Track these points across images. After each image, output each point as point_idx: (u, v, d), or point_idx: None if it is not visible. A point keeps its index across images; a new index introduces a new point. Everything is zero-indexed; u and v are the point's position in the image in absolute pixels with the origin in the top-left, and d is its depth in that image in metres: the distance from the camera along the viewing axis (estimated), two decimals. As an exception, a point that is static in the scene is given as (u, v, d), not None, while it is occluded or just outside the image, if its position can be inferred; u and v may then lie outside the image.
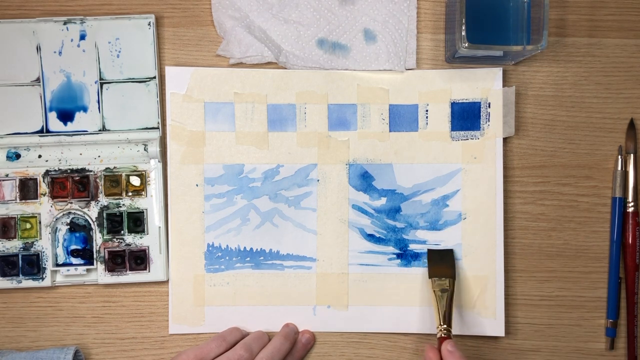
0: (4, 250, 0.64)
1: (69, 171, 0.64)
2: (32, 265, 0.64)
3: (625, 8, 0.65)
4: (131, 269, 0.64)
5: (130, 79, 0.64)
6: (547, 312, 0.65)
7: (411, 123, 0.65)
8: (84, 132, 0.64)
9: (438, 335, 0.60)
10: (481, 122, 0.64)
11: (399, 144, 0.64)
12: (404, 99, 0.65)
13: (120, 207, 0.64)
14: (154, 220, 0.64)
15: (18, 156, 0.64)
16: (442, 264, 0.63)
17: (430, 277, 0.62)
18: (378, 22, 0.64)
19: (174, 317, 0.64)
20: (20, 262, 0.64)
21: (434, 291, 0.61)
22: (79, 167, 0.64)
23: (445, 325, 0.59)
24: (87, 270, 0.64)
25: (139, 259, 0.64)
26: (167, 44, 0.65)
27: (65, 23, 0.63)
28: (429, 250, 0.64)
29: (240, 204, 0.65)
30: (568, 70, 0.65)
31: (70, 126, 0.64)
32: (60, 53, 0.64)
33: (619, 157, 0.65)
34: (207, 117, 0.64)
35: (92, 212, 0.64)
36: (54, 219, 0.64)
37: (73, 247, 0.64)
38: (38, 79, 0.64)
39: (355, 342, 0.65)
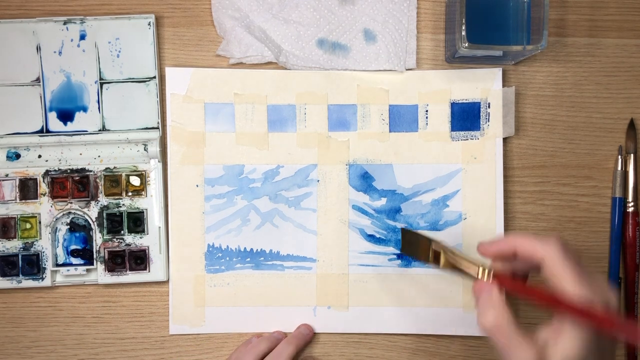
0: (4, 250, 0.64)
1: (69, 171, 0.64)
2: (32, 265, 0.63)
3: (625, 8, 0.65)
4: (131, 269, 0.64)
5: (130, 79, 0.64)
6: (547, 312, 0.65)
7: (411, 123, 0.65)
8: (84, 132, 0.64)
9: (481, 277, 0.49)
10: (481, 122, 0.64)
11: (399, 145, 0.64)
12: (404, 100, 0.64)
13: (120, 207, 0.64)
14: (154, 220, 0.64)
15: (18, 156, 0.64)
16: (415, 242, 0.58)
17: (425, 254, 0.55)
18: (378, 22, 0.64)
19: (174, 317, 0.64)
20: (20, 262, 0.64)
21: (435, 252, 0.54)
22: (79, 167, 0.64)
23: (481, 268, 0.49)
24: (87, 270, 0.64)
25: (139, 259, 0.64)
26: (167, 44, 0.65)
27: (65, 23, 0.63)
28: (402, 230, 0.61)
29: (241, 205, 0.65)
30: (568, 70, 0.65)
31: (70, 126, 0.64)
32: (60, 53, 0.63)
33: (619, 157, 0.65)
34: (207, 117, 0.64)
35: (92, 212, 0.64)
36: (54, 219, 0.64)
37: (73, 247, 0.64)
38: (38, 79, 0.63)
39: (355, 342, 0.65)
